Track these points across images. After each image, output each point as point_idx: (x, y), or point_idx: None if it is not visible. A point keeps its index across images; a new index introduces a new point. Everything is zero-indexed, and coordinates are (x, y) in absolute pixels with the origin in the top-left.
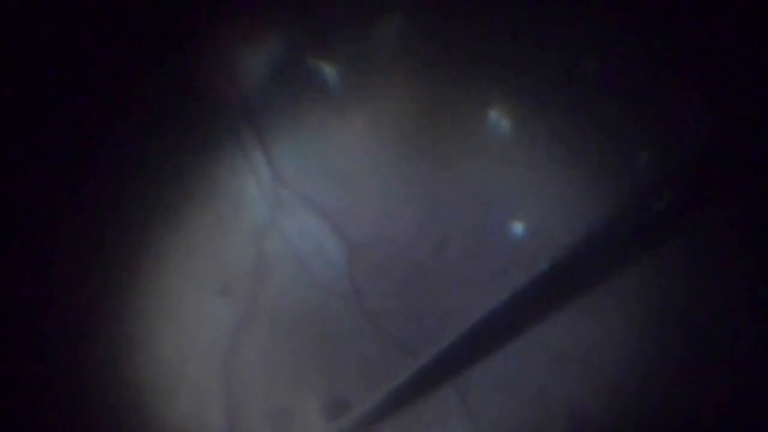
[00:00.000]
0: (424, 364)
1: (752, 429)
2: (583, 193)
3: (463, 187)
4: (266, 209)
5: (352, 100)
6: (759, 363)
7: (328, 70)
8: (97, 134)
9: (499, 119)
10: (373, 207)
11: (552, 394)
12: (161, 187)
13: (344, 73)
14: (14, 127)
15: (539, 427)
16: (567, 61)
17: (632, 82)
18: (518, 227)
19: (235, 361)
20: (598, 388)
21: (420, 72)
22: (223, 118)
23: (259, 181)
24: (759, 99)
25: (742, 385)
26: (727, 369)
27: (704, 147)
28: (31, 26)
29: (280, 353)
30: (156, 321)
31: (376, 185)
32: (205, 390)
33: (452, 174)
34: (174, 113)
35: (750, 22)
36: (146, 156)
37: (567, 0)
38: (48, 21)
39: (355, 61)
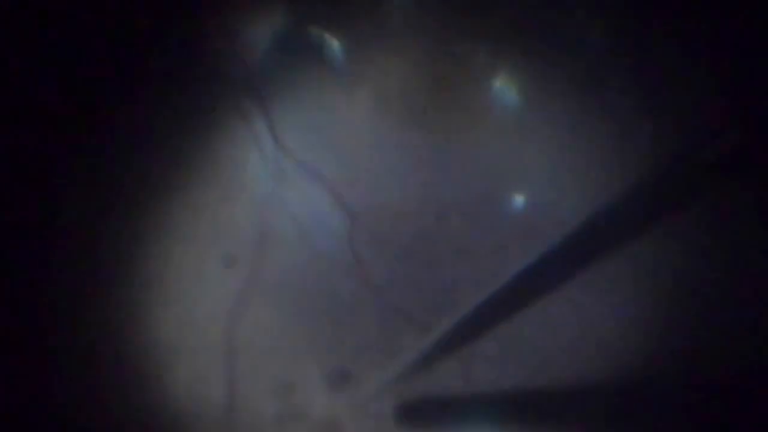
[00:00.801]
0: (428, 337)
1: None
2: (587, 166)
3: (465, 158)
4: (269, 179)
5: (355, 71)
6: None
7: (332, 42)
8: (100, 106)
9: (503, 91)
10: (375, 177)
11: (555, 368)
12: (165, 157)
13: (348, 44)
14: (20, 102)
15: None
16: (574, 33)
17: (639, 54)
18: (520, 200)
19: (236, 332)
20: (600, 362)
21: (424, 44)
22: (226, 89)
23: (262, 151)
24: None
25: (746, 362)
26: (731, 344)
27: (715, 125)
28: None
29: (281, 324)
30: (157, 291)
31: (378, 156)
32: (206, 361)
33: (455, 145)
34: (178, 84)
35: None
36: (150, 126)
37: None
38: None
39: (359, 33)
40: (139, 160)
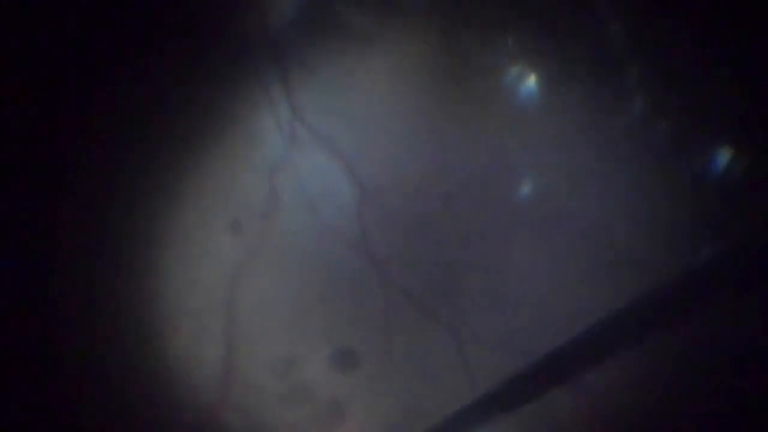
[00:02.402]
0: (426, 318)
1: None
2: (597, 154)
3: (477, 140)
4: (282, 146)
5: (376, 46)
6: None
7: (356, 14)
8: (119, 67)
9: (520, 76)
10: (388, 153)
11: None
12: (179, 121)
13: (371, 18)
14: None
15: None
16: (592, 22)
17: (656, 43)
18: (528, 184)
19: (237, 299)
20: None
21: (445, 24)
22: (246, 51)
23: (277, 116)
24: None
25: None
26: None
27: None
28: None
29: (282, 294)
30: (162, 253)
31: (392, 132)
32: (206, 325)
33: (468, 127)
34: (199, 47)
35: None
36: (167, 87)
37: None
38: None
39: (382, 8)
40: (153, 120)
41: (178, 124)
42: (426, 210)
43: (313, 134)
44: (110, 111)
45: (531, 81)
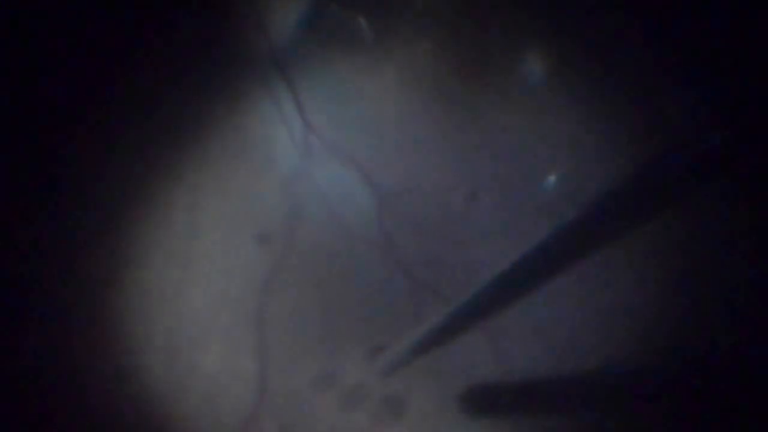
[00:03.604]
0: (455, 310)
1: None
2: (615, 147)
3: (494, 138)
4: (297, 158)
5: (383, 50)
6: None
7: (360, 20)
8: (130, 85)
9: (532, 71)
10: (403, 157)
11: (580, 345)
12: (194, 136)
13: (376, 22)
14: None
15: (567, 375)
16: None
17: (665, 34)
18: (549, 180)
19: (267, 310)
20: (625, 339)
21: (453, 23)
22: (254, 68)
23: (290, 129)
24: None
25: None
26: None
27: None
28: None
29: (312, 303)
30: (188, 270)
31: (406, 135)
32: (237, 339)
33: (483, 125)
34: (205, 63)
35: None
36: (180, 105)
37: None
38: None
39: (387, 11)
40: (169, 140)
41: (194, 142)
42: (445, 210)
43: (326, 144)
44: (128, 131)
45: (543, 74)
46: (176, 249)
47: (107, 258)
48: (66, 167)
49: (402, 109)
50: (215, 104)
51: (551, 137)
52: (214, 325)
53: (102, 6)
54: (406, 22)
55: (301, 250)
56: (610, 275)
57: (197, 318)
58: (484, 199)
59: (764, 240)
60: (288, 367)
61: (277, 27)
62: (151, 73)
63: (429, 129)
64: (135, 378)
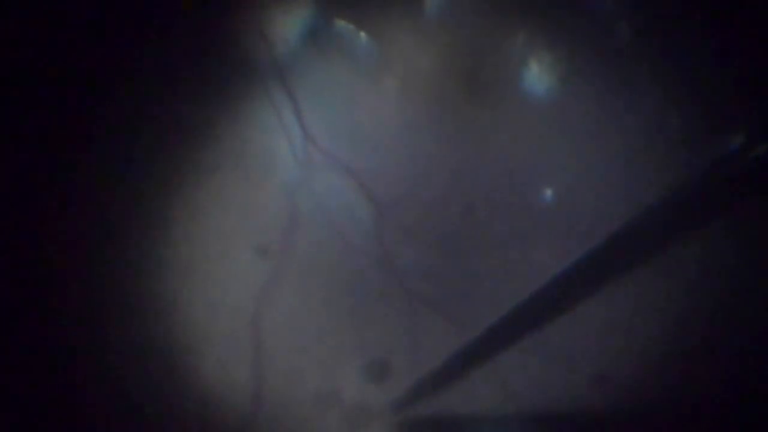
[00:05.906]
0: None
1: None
2: (613, 164)
3: (492, 152)
4: (297, 169)
5: (383, 63)
6: None
7: (360, 32)
8: (132, 95)
9: (532, 86)
10: (402, 169)
11: (579, 360)
12: (196, 146)
13: (375, 35)
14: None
15: (565, 390)
16: (602, 26)
17: (667, 49)
18: (545, 194)
19: (264, 318)
20: (624, 356)
21: (453, 36)
22: (255, 79)
23: (291, 140)
24: None
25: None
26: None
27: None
28: None
29: (308, 311)
30: (187, 278)
31: (405, 148)
32: (233, 346)
33: (481, 139)
34: (207, 74)
35: None
36: (181, 115)
37: None
38: None
39: (386, 24)
40: (171, 150)
41: (194, 152)
42: (445, 222)
43: (326, 155)
44: (127, 141)
45: (543, 90)
46: (175, 258)
47: (107, 266)
48: (65, 178)
49: (401, 122)
50: (216, 114)
51: (549, 153)
52: (212, 333)
53: (102, 16)
54: (406, 35)
55: (298, 260)
56: (610, 294)
57: (194, 325)
58: (481, 210)
59: None
60: (284, 377)
61: (279, 39)
62: (151, 83)
63: (428, 141)
64: (132, 384)
